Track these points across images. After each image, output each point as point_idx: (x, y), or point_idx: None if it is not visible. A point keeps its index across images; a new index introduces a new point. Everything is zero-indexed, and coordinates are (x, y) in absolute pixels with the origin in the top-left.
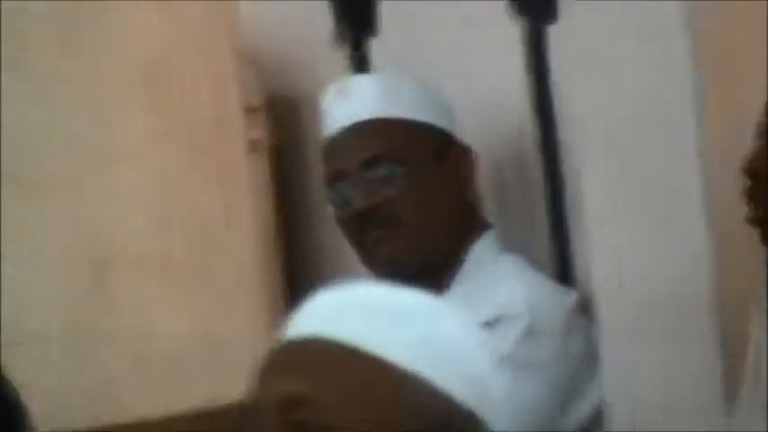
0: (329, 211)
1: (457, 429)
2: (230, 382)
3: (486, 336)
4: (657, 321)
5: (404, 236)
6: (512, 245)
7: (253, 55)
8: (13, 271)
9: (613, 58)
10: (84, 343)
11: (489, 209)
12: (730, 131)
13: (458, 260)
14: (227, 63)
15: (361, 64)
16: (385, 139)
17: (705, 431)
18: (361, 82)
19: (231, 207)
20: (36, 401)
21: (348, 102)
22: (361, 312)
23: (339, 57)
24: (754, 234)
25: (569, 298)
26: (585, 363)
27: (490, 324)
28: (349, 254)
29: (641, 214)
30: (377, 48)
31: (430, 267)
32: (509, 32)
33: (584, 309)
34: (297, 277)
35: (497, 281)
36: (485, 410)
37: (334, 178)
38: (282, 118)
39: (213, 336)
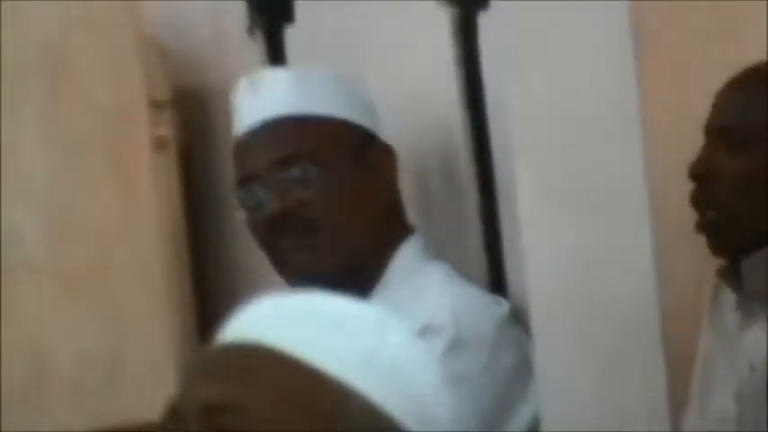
0: (241, 215)
1: None
2: (133, 403)
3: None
4: (596, 333)
5: (321, 242)
6: (439, 251)
7: (158, 44)
8: None
9: (550, 50)
10: None
11: (414, 213)
12: (675, 131)
13: (380, 268)
14: (129, 52)
15: (275, 55)
16: (298, 137)
17: None
18: (273, 76)
19: (134, 210)
20: None
21: (259, 97)
22: (302, 321)
23: (252, 47)
24: (700, 240)
25: (500, 308)
26: (518, 377)
27: None
28: (264, 261)
29: (580, 219)
30: (292, 37)
31: (349, 276)
32: (436, 20)
33: (517, 320)
34: (207, 288)
35: (422, 290)
36: (427, 429)
37: (245, 180)
38: (191, 113)
39: (115, 351)
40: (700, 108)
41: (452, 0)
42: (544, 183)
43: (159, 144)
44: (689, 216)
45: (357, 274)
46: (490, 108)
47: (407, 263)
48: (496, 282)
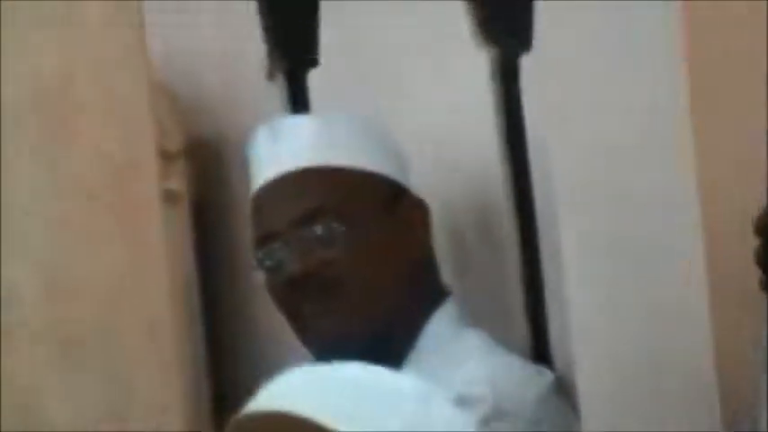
0: (260, 276)
1: None
2: None
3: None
4: (648, 405)
5: (346, 306)
6: (476, 315)
7: (169, 90)
8: None
9: (597, 96)
10: None
11: (449, 273)
12: (730, 173)
13: (411, 336)
14: (138, 98)
15: (297, 100)
16: (322, 191)
17: None
18: (295, 123)
19: (142, 269)
20: None
21: (279, 147)
22: (338, 391)
23: (271, 92)
24: (759, 297)
25: (543, 379)
26: None
27: None
28: (284, 325)
29: (630, 278)
30: (315, 81)
31: (378, 343)
32: (475, 64)
33: (562, 391)
34: (222, 353)
35: (459, 360)
36: None
37: (264, 238)
38: (204, 165)
39: (120, 421)
40: (758, 150)
41: (493, 41)
42: (592, 240)
43: (170, 197)
44: (749, 269)
45: (386, 342)
46: (532, 155)
47: (442, 329)
48: (539, 348)
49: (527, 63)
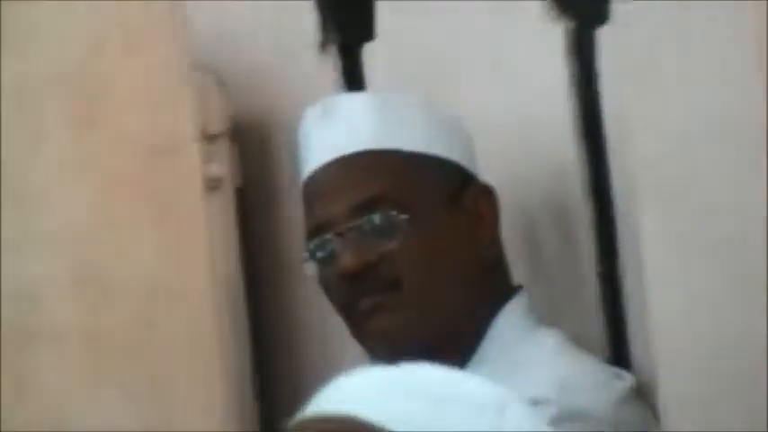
0: (311, 269)
1: None
2: None
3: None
4: (734, 411)
5: (406, 303)
6: (549, 315)
7: (212, 68)
8: None
9: (680, 72)
10: None
11: (519, 268)
12: None
13: (477, 335)
14: (177, 77)
15: (352, 78)
16: (381, 177)
17: None
18: (351, 102)
19: (182, 263)
20: None
21: (333, 128)
22: (406, 395)
23: (324, 69)
24: None
25: (621, 383)
26: None
27: None
28: (338, 324)
29: (718, 276)
30: (372, 57)
31: (440, 343)
32: (546, 37)
33: (642, 396)
34: (269, 355)
35: (529, 363)
36: None
37: (318, 227)
38: (250, 148)
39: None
40: None
41: (567, 13)
42: (675, 233)
43: (213, 184)
44: None
45: (449, 342)
46: (610, 138)
47: (511, 329)
48: (618, 350)
49: (605, 36)
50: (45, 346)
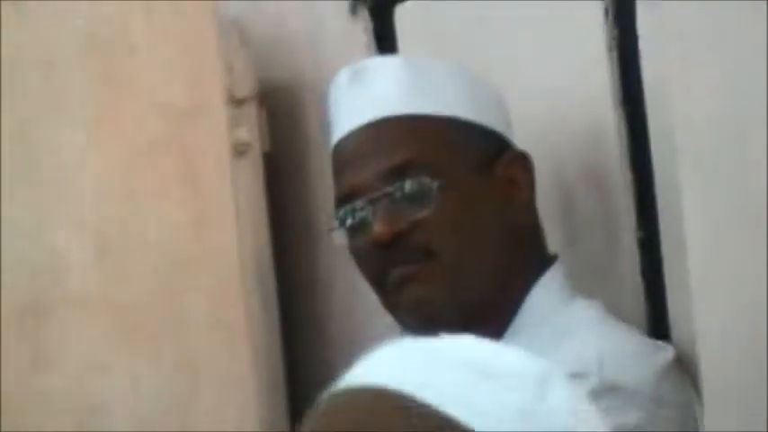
0: (341, 237)
1: None
2: None
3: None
4: None
5: (439, 273)
6: (586, 285)
7: (239, 29)
8: None
9: (724, 39)
10: (8, 413)
11: (556, 237)
12: None
13: (512, 306)
14: (204, 39)
15: (384, 41)
16: (413, 143)
17: None
18: (382, 66)
19: (208, 231)
20: None
21: (364, 92)
22: (443, 368)
23: (354, 32)
24: None
25: (663, 354)
26: None
27: None
28: (366, 293)
29: (760, 248)
30: (404, 20)
31: (474, 314)
32: (586, 6)
33: (684, 368)
34: (295, 323)
35: (566, 334)
36: None
37: (347, 195)
38: (278, 112)
39: (182, 406)
40: None
41: None
42: (717, 202)
43: (240, 149)
44: None
45: (483, 313)
46: (649, 107)
47: (547, 300)
48: (657, 322)
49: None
50: (69, 317)
